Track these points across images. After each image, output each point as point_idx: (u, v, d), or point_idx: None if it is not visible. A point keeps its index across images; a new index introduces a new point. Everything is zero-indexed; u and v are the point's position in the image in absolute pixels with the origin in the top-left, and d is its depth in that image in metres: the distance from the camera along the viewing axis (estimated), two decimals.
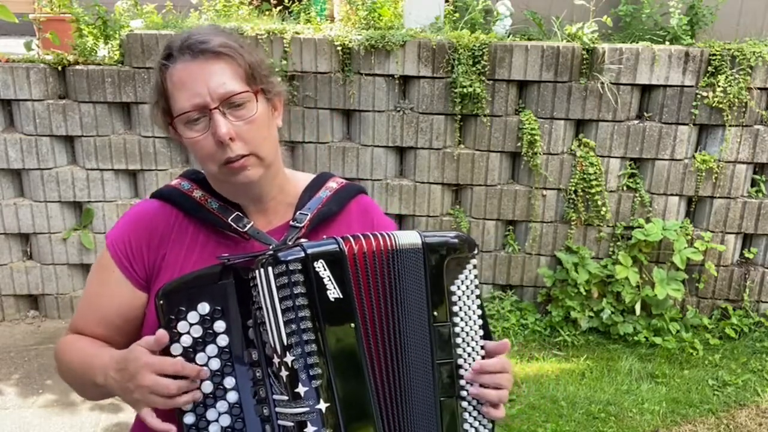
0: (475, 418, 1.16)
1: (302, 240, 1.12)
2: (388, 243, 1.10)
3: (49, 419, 3.19)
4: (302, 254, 1.02)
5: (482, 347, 1.17)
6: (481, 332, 1.18)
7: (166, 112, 1.16)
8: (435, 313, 1.12)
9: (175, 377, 1.02)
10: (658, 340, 3.95)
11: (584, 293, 4.00)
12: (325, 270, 1.03)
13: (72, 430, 3.12)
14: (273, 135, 1.19)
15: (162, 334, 1.03)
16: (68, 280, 4.19)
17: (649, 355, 3.89)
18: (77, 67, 3.88)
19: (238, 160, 1.12)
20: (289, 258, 1.01)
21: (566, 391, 3.49)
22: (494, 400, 1.14)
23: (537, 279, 4.20)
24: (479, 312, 1.17)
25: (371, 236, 1.09)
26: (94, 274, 1.25)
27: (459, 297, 1.15)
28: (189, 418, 1.05)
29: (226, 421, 1.05)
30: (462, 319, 1.15)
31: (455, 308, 1.15)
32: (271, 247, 1.12)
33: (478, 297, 1.18)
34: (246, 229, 1.18)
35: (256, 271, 1.02)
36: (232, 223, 1.18)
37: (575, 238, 4.14)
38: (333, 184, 1.30)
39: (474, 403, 1.15)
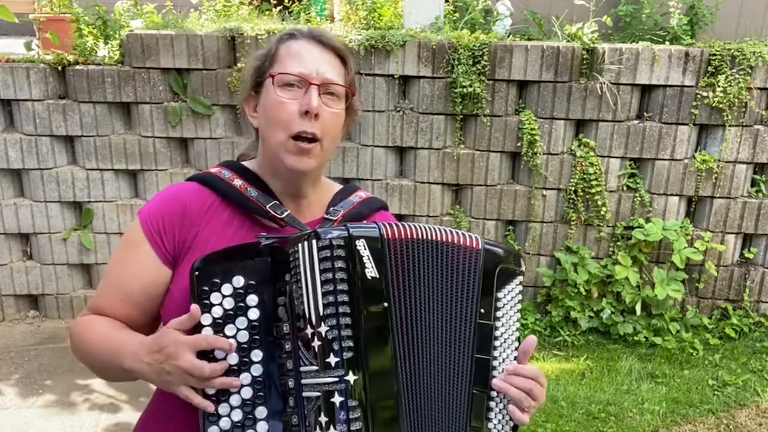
0: (499, 421, 1.18)
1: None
2: (442, 237, 1.16)
3: (49, 419, 3.19)
4: (346, 232, 1.06)
5: (515, 358, 1.21)
6: (516, 344, 1.21)
7: (260, 74, 1.24)
8: (482, 310, 1.17)
9: (208, 356, 1.05)
10: (658, 340, 3.95)
11: (584, 293, 4.01)
12: (365, 250, 1.07)
13: (72, 430, 3.11)
14: (337, 141, 1.28)
15: (195, 308, 1.05)
16: (68, 280, 4.19)
17: (649, 355, 3.89)
18: (77, 67, 3.88)
19: (309, 140, 1.18)
20: (334, 234, 1.05)
21: (566, 391, 3.49)
22: (520, 400, 1.16)
23: (537, 279, 4.20)
24: (517, 324, 1.22)
25: (423, 228, 1.15)
26: (120, 250, 1.26)
27: (504, 304, 1.20)
28: (211, 389, 1.06)
29: (247, 393, 1.07)
30: (503, 325, 1.19)
31: (499, 313, 1.19)
32: (311, 229, 1.17)
33: (518, 311, 1.22)
34: (283, 216, 1.22)
35: (299, 245, 1.05)
36: (271, 210, 1.22)
37: (575, 238, 4.14)
38: (362, 194, 1.39)
39: (501, 406, 1.18)
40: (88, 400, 3.33)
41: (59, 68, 3.89)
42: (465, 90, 3.82)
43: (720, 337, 4.07)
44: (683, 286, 4.00)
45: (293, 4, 4.73)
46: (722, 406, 3.42)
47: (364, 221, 1.32)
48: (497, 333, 1.18)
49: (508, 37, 4.19)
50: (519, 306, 1.22)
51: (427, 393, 1.12)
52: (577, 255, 4.07)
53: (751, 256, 4.17)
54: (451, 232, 1.17)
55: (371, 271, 1.07)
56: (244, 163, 1.32)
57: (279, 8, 4.66)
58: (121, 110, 4.03)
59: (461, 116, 3.96)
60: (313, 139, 1.18)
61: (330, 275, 1.03)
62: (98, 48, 4.00)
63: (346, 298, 1.04)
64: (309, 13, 4.69)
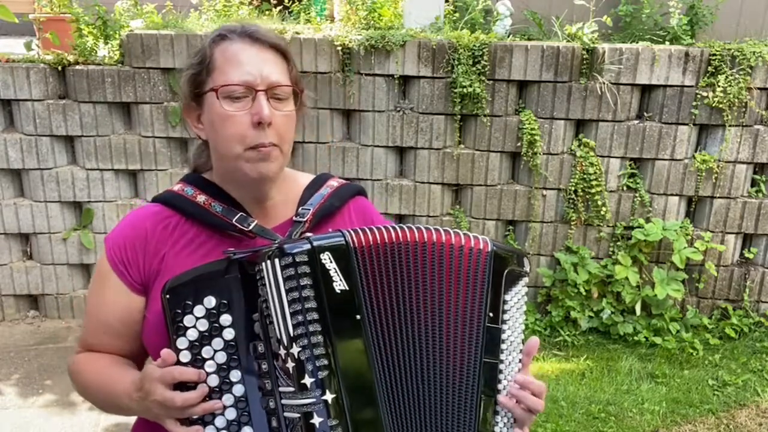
0: (504, 425, 1.16)
1: (308, 234, 1.13)
2: (435, 238, 1.11)
3: (49, 419, 3.19)
4: (309, 246, 1.02)
5: (520, 360, 1.19)
6: (521, 346, 1.19)
7: (198, 84, 1.17)
8: (491, 314, 1.14)
9: (187, 385, 1.04)
10: (658, 340, 3.95)
11: (584, 293, 4.01)
12: (331, 262, 1.03)
13: (72, 430, 3.12)
14: (293, 138, 1.22)
15: (166, 353, 1.04)
16: (68, 280, 4.19)
17: (649, 355, 3.89)
18: (77, 67, 3.88)
19: (268, 146, 1.13)
20: (296, 250, 1.01)
21: (566, 391, 3.49)
22: (522, 417, 1.15)
23: (537, 279, 4.20)
24: (522, 327, 1.20)
25: (410, 229, 1.11)
26: (93, 282, 1.26)
27: (510, 306, 1.17)
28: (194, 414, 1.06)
29: (231, 414, 1.06)
30: (510, 327, 1.17)
31: (506, 316, 1.17)
32: (276, 241, 1.13)
33: (523, 313, 1.20)
34: (251, 228, 1.18)
35: (263, 264, 1.02)
36: (237, 224, 1.18)
37: (575, 238, 4.14)
38: (333, 183, 1.32)
39: (504, 410, 1.16)
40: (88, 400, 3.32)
41: (59, 68, 3.89)
42: (465, 90, 3.82)
43: (720, 337, 4.07)
44: (683, 286, 4.00)
45: (293, 4, 4.73)
46: (722, 406, 3.42)
47: (338, 215, 1.29)
48: (503, 336, 1.16)
49: (508, 37, 4.19)
50: (524, 308, 1.20)
51: (424, 402, 1.09)
52: (577, 255, 4.07)
53: (751, 256, 4.17)
54: (455, 233, 1.13)
55: (339, 284, 1.03)
56: (204, 175, 1.28)
57: (279, 8, 4.66)
58: (121, 110, 4.03)
59: (461, 116, 3.96)
60: (273, 145, 1.14)
61: (296, 294, 1.00)
62: (98, 48, 4.00)
63: (315, 315, 1.01)
64: (309, 13, 4.69)
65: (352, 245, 1.06)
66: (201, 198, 1.22)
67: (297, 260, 1.01)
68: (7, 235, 4.10)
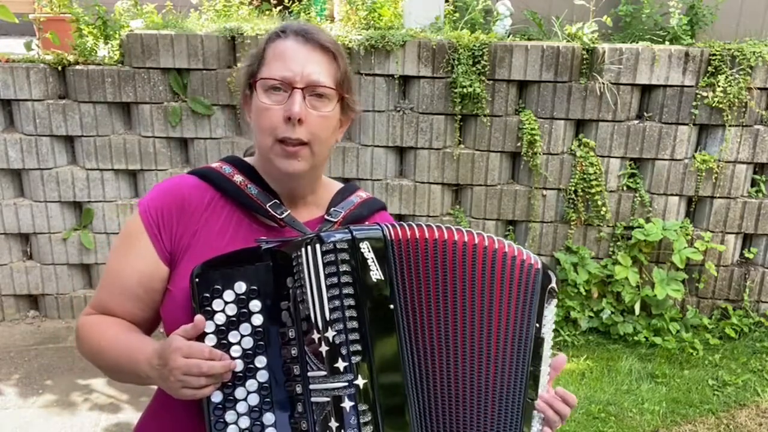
0: (538, 431, 1.20)
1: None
2: (483, 242, 1.14)
3: (49, 419, 3.19)
4: (349, 236, 1.06)
5: (548, 374, 1.24)
6: (550, 360, 1.24)
7: (251, 75, 1.21)
8: (537, 325, 1.18)
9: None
10: (658, 340, 3.95)
11: (584, 293, 4.01)
12: (369, 252, 1.07)
13: (72, 430, 3.12)
14: (331, 142, 1.24)
15: (199, 319, 1.05)
16: (68, 280, 4.19)
17: (649, 355, 3.89)
18: (77, 67, 3.88)
19: (295, 144, 1.16)
20: (336, 238, 1.04)
21: None
22: (555, 422, 1.20)
23: None
24: (551, 342, 1.24)
25: (446, 230, 1.13)
26: (119, 241, 1.25)
27: (547, 321, 1.22)
28: (216, 397, 1.06)
29: (254, 400, 1.07)
30: (546, 341, 1.21)
31: (544, 329, 1.21)
32: (307, 233, 1.16)
33: (553, 330, 1.25)
34: (283, 216, 1.21)
35: (302, 249, 1.04)
36: (270, 210, 1.21)
37: (575, 238, 4.14)
38: (362, 194, 1.37)
39: (540, 415, 1.20)
40: (88, 400, 3.33)
41: (59, 68, 3.89)
42: (465, 90, 3.82)
43: (720, 337, 4.07)
44: (683, 286, 4.00)
45: (293, 4, 4.73)
46: (722, 406, 3.42)
47: (365, 223, 1.30)
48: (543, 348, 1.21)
49: (508, 37, 4.19)
50: (553, 326, 1.24)
51: (458, 394, 1.10)
52: (577, 255, 4.07)
53: (751, 256, 4.17)
54: (509, 244, 1.16)
55: (375, 274, 1.06)
56: (246, 159, 1.31)
57: (279, 8, 4.66)
58: (121, 110, 4.03)
59: (461, 116, 3.96)
60: (299, 143, 1.16)
61: (335, 279, 1.03)
62: (98, 48, 4.00)
63: (352, 302, 1.03)
64: (309, 13, 4.69)
65: (389, 237, 1.09)
66: (238, 178, 1.25)
67: (338, 247, 1.04)
68: (7, 235, 4.09)
